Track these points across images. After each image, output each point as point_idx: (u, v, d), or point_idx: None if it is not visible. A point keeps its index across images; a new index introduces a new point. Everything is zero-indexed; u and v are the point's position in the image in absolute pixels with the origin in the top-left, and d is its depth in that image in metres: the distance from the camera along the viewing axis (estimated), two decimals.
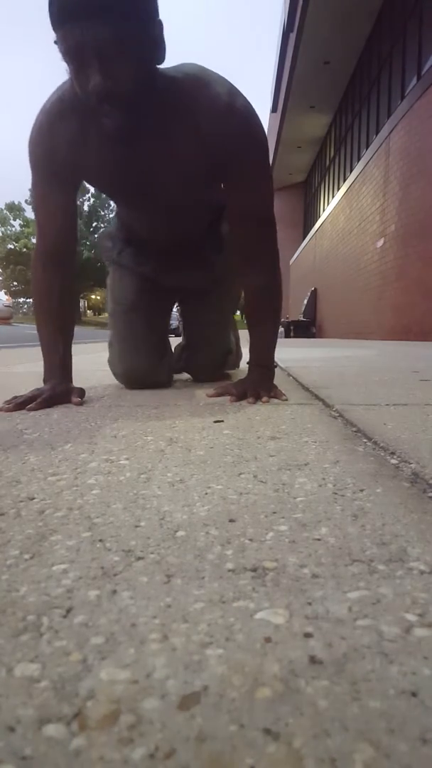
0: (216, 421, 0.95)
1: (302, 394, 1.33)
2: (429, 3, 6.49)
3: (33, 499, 0.53)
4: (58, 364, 1.22)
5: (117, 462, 0.67)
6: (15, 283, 36.70)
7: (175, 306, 1.70)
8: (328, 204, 12.67)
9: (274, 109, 14.89)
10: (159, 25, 0.97)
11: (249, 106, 1.08)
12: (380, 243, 7.91)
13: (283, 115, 12.79)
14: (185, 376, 1.73)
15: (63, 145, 1.10)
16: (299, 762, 0.21)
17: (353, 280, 9.51)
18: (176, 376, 1.69)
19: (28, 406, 1.09)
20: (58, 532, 0.44)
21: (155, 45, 0.98)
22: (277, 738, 0.22)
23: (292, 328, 12.79)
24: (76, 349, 1.32)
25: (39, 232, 1.22)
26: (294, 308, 16.15)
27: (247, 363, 1.31)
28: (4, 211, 34.90)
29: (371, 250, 8.41)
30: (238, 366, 1.96)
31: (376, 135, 8.48)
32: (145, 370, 1.42)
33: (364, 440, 0.79)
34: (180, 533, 0.44)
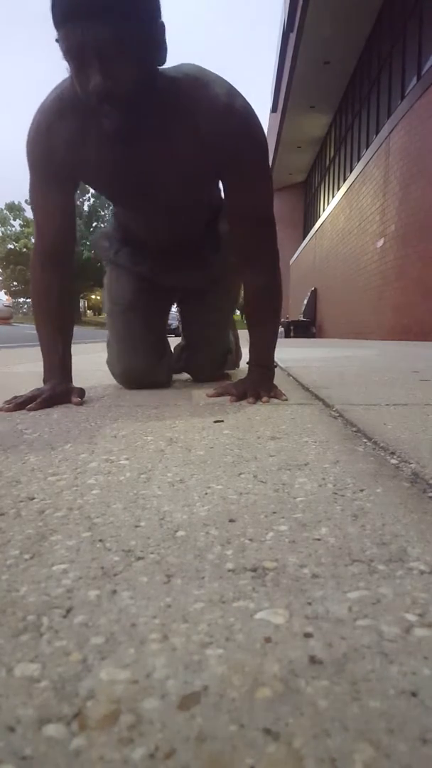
0: (216, 421, 0.95)
1: (302, 394, 1.32)
2: (429, 3, 6.49)
3: (33, 499, 0.53)
4: (58, 364, 1.22)
5: (117, 462, 0.67)
6: (15, 283, 36.70)
7: (175, 306, 1.70)
8: (328, 204, 12.67)
9: (274, 109, 14.89)
10: (161, 27, 0.97)
11: (248, 107, 1.08)
12: (380, 243, 7.91)
13: (283, 115, 12.79)
14: (185, 376, 1.73)
15: (62, 144, 1.09)
16: (299, 762, 0.21)
17: (353, 280, 9.51)
18: (176, 376, 1.69)
19: (28, 406, 1.09)
20: (58, 532, 0.44)
21: (156, 46, 0.97)
22: (277, 738, 0.22)
23: (292, 328, 12.79)
24: (75, 349, 1.32)
25: (37, 232, 1.22)
26: (294, 308, 16.15)
27: (247, 363, 1.31)
28: (4, 211, 34.89)
29: (371, 250, 8.40)
30: (238, 366, 1.96)
31: (376, 135, 8.48)
32: (143, 370, 1.42)
33: (364, 440, 0.79)
34: (180, 533, 0.44)
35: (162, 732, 0.23)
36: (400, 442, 0.76)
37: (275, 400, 1.19)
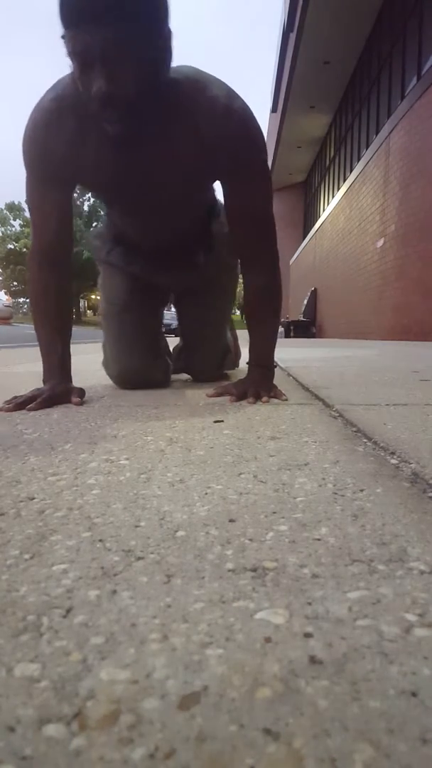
0: (216, 421, 0.95)
1: (302, 394, 1.33)
2: (429, 3, 6.50)
3: (33, 499, 0.53)
4: (57, 365, 1.22)
5: (117, 462, 0.67)
6: (15, 283, 36.71)
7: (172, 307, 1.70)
8: (328, 204, 12.67)
9: (274, 109, 14.88)
10: (168, 34, 0.96)
11: (247, 108, 1.08)
12: (380, 243, 7.91)
13: (283, 115, 12.79)
14: (185, 376, 1.73)
15: (59, 144, 1.08)
16: (299, 762, 0.21)
17: (353, 280, 9.51)
18: (176, 376, 1.69)
19: (28, 406, 1.09)
20: (58, 532, 0.44)
21: (162, 54, 0.97)
22: (277, 738, 0.22)
23: (292, 328, 12.79)
24: (75, 349, 1.32)
25: (34, 232, 1.21)
26: (294, 308, 16.15)
27: (247, 363, 1.31)
28: (4, 211, 34.91)
29: (371, 250, 8.41)
30: (237, 366, 1.96)
31: (376, 135, 8.48)
32: (137, 370, 1.42)
33: (364, 440, 0.79)
34: (180, 533, 0.44)
35: (162, 732, 0.23)
36: (400, 442, 0.76)
37: (275, 400, 1.19)
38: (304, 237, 16.43)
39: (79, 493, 0.54)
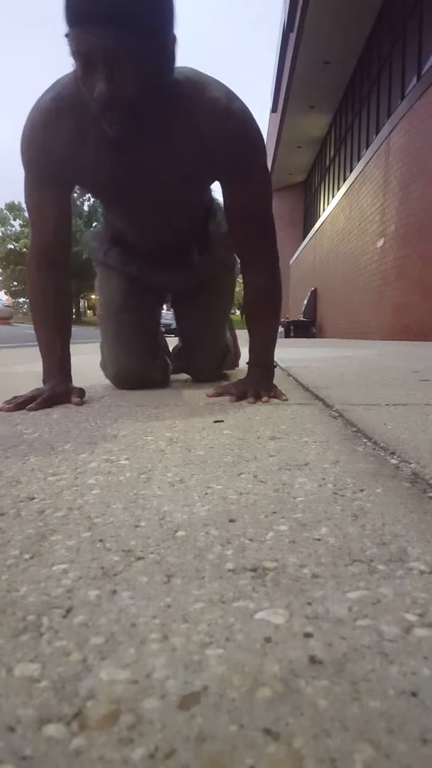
0: (216, 421, 0.95)
1: (302, 394, 1.33)
2: (429, 3, 6.50)
3: (33, 499, 0.53)
4: (57, 364, 1.22)
5: (117, 462, 0.67)
6: (15, 283, 36.73)
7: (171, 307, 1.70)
8: (328, 204, 12.67)
9: (274, 109, 14.89)
10: (173, 40, 0.95)
11: (246, 110, 1.08)
12: (380, 243, 7.91)
13: (283, 115, 12.79)
14: (185, 376, 1.73)
15: (58, 144, 1.08)
16: (299, 762, 0.21)
17: (353, 280, 9.51)
18: (176, 376, 1.69)
19: (28, 406, 1.09)
20: (58, 532, 0.44)
21: (166, 58, 0.96)
22: (277, 738, 0.22)
23: (292, 328, 12.79)
24: (75, 349, 1.32)
25: (33, 232, 1.21)
26: (294, 308, 16.15)
27: (247, 363, 1.31)
28: (4, 211, 34.92)
29: (371, 250, 8.41)
30: (237, 366, 1.96)
31: (376, 135, 8.48)
32: (135, 370, 1.42)
33: (364, 440, 0.79)
34: (180, 533, 0.44)
35: (162, 732, 0.23)
36: (400, 442, 0.76)
37: (275, 400, 1.19)
38: (304, 237, 16.43)
39: (79, 493, 0.54)
